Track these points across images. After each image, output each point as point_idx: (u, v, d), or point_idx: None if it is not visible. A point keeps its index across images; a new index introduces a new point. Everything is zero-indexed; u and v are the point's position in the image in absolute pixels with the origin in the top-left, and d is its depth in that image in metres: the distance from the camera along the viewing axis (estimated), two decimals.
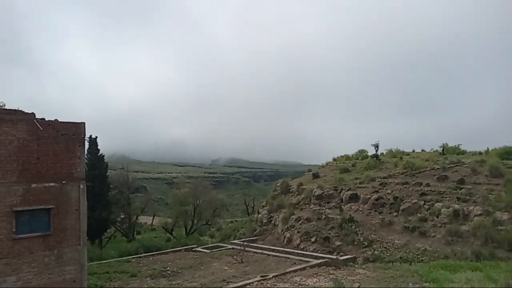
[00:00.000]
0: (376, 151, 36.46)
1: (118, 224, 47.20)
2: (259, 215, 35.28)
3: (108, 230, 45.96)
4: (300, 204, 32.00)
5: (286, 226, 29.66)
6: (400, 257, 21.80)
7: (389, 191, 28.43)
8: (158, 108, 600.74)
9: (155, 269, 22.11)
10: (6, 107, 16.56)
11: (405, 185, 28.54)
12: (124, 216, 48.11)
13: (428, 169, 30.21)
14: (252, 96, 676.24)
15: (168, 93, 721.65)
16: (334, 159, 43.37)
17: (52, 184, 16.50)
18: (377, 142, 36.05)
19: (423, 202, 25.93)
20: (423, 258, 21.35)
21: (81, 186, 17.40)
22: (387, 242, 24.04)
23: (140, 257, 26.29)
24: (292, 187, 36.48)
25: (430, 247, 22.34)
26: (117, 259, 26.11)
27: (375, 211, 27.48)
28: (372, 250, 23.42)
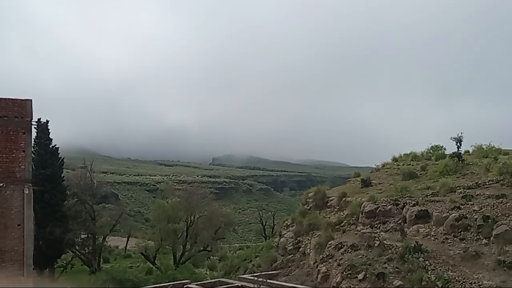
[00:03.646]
0: (458, 147, 35.86)
1: (77, 247, 48.04)
2: (282, 239, 35.28)
3: (63, 256, 46.88)
4: (342, 225, 31.92)
5: (321, 256, 29.65)
6: None
7: (476, 208, 28.17)
8: (154, 81, 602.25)
9: None
10: None
11: (501, 200, 28.27)
12: (86, 236, 48.93)
13: None
14: (285, 68, 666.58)
15: (171, 60, 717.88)
16: (395, 159, 42.88)
17: None
18: (460, 135, 35.39)
19: None
20: None
21: (26, 191, 17.62)
22: (471, 283, 23.88)
23: None
24: (331, 199, 36.33)
25: None
26: None
27: (454, 236, 27.28)
28: None
